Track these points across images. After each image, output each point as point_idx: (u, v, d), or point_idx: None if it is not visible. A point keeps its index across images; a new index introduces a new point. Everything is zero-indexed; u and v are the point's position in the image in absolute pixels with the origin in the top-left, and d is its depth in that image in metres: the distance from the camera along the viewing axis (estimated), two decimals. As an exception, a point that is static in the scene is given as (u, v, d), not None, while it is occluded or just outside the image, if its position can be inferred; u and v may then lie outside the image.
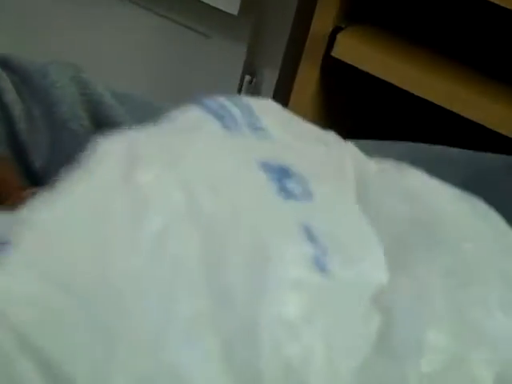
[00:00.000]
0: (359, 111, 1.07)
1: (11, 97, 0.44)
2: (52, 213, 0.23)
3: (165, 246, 0.23)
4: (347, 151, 0.32)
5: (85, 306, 0.22)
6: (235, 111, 0.28)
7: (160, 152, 0.25)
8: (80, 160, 0.24)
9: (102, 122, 0.43)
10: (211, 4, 0.96)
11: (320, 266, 0.25)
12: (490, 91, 0.86)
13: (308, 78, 0.91)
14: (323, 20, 0.86)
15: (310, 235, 0.25)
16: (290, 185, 0.26)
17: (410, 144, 0.47)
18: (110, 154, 0.25)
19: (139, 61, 1.11)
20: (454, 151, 0.47)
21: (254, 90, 1.05)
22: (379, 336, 0.26)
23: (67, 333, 0.22)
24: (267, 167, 0.26)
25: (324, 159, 0.29)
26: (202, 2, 0.97)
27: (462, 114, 0.84)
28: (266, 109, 0.29)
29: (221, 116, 0.27)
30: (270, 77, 1.04)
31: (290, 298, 0.24)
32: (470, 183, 0.32)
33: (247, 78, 1.06)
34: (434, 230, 0.28)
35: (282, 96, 0.97)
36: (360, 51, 0.86)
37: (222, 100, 0.28)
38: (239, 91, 1.05)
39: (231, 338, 0.23)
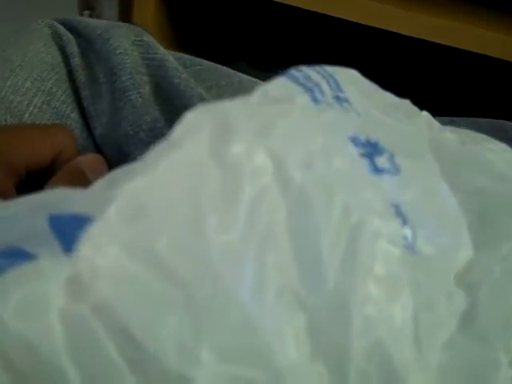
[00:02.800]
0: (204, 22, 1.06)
1: (78, 61, 0.44)
2: (140, 185, 0.23)
3: (257, 220, 0.23)
4: (424, 121, 0.31)
5: (173, 282, 0.22)
6: (322, 83, 0.27)
7: (252, 123, 0.24)
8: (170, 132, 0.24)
9: (164, 87, 0.43)
10: None
11: (409, 243, 0.25)
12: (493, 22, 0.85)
13: (147, 3, 0.91)
14: None
15: (400, 212, 0.25)
16: (380, 160, 0.26)
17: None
18: (199, 125, 0.24)
19: None
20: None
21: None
22: (465, 315, 0.25)
23: (152, 308, 0.21)
24: (357, 141, 0.26)
25: (407, 131, 0.29)
26: None
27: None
28: (349, 78, 0.29)
29: (309, 88, 0.26)
30: (109, 8, 1.02)
31: (381, 277, 0.24)
32: None
33: (86, 12, 1.03)
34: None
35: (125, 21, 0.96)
36: None
37: (308, 70, 0.27)
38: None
39: (319, 314, 0.23)
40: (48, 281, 0.21)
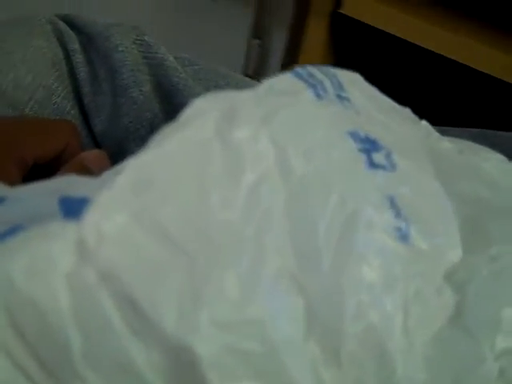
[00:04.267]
0: (370, 68, 1.06)
1: (79, 58, 0.45)
2: (148, 159, 0.24)
3: (257, 202, 0.24)
4: (422, 128, 0.32)
5: (176, 252, 0.22)
6: (325, 81, 0.28)
7: (257, 111, 0.25)
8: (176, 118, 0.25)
9: (164, 86, 0.43)
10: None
11: (402, 235, 0.26)
12: (498, 41, 0.87)
13: (316, 37, 0.91)
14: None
15: (394, 205, 0.26)
16: (378, 155, 0.27)
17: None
18: (207, 109, 0.25)
19: (145, 24, 1.11)
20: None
21: (262, 53, 1.05)
22: (453, 311, 0.26)
23: (155, 275, 0.22)
24: (356, 137, 0.26)
25: (405, 133, 0.30)
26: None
27: (473, 65, 0.84)
28: (352, 80, 0.30)
29: (312, 84, 0.27)
30: (277, 39, 1.03)
31: (374, 265, 0.25)
32: None
33: (255, 41, 1.05)
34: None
35: (291, 57, 0.97)
36: (369, 6, 0.86)
37: (311, 69, 0.28)
38: (247, 55, 1.04)
39: (315, 298, 0.24)
40: (55, 242, 0.21)
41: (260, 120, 0.25)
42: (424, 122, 0.32)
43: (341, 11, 0.86)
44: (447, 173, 0.30)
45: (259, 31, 1.03)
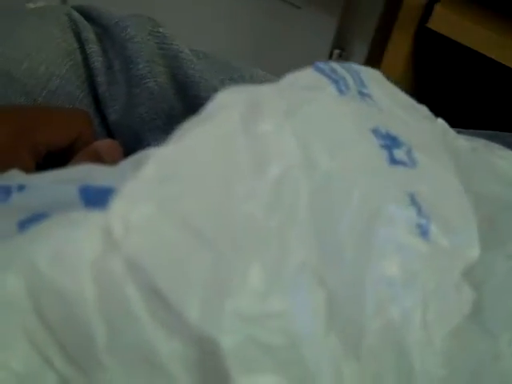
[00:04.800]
0: (452, 85, 1.05)
1: (94, 48, 0.45)
2: (173, 151, 0.24)
3: (282, 195, 0.24)
4: (439, 126, 0.32)
5: (201, 244, 0.22)
6: (347, 77, 0.28)
7: (281, 105, 0.25)
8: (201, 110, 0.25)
9: (179, 78, 0.44)
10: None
11: (423, 232, 0.26)
12: None
13: (399, 51, 0.89)
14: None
15: (415, 202, 0.26)
16: (399, 152, 0.27)
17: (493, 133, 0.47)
18: (231, 103, 0.25)
19: (229, 31, 1.11)
20: None
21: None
22: (471, 308, 0.26)
23: (180, 266, 0.22)
24: (378, 133, 0.27)
25: (425, 130, 0.30)
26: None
27: None
28: (373, 77, 0.30)
29: (335, 80, 0.27)
30: (359, 51, 1.03)
31: (395, 260, 0.25)
32: None
33: (336, 51, 1.04)
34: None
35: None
36: (458, 23, 0.84)
37: (334, 65, 0.28)
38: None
39: (336, 292, 0.24)
40: (81, 230, 0.22)
41: (284, 114, 0.25)
42: (440, 120, 0.32)
43: (428, 26, 0.84)
44: (464, 170, 0.30)
45: (342, 41, 1.03)
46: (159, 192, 0.22)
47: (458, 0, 0.87)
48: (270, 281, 0.23)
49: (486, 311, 0.26)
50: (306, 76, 0.27)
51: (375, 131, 0.27)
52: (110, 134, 0.45)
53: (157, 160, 0.23)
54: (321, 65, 0.28)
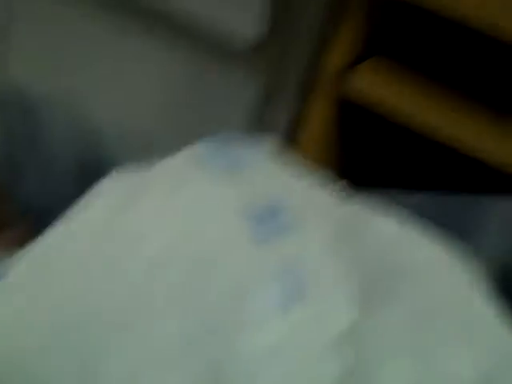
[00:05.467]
0: (373, 152, 1.04)
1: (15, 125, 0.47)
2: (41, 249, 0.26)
3: (153, 282, 0.26)
4: (331, 192, 0.34)
5: (67, 332, 0.25)
6: (229, 156, 0.30)
7: (153, 195, 0.27)
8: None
9: (91, 157, 0.47)
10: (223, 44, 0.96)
11: (287, 306, 0.27)
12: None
13: (319, 116, 0.90)
14: (335, 59, 0.86)
15: (283, 276, 0.28)
16: (269, 225, 0.28)
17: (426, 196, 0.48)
18: (108, 191, 0.27)
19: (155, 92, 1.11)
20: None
21: (266, 129, 1.05)
22: (346, 368, 0.28)
23: (47, 354, 0.25)
24: (249, 211, 0.28)
25: (311, 197, 0.32)
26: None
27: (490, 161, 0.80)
28: (264, 149, 0.32)
29: (214, 162, 0.29)
30: (280, 116, 1.03)
31: (259, 337, 0.26)
32: None
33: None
34: (404, 278, 0.30)
35: (293, 135, 0.97)
36: (374, 92, 0.84)
37: (218, 144, 0.30)
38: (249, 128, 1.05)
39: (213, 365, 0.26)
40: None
41: (156, 203, 0.27)
42: (336, 186, 0.34)
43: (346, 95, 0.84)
44: (348, 234, 0.31)
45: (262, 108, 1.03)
46: (29, 286, 0.25)
47: (375, 66, 0.86)
48: (138, 368, 0.25)
49: (362, 369, 0.28)
50: (180, 163, 0.29)
51: (246, 209, 0.28)
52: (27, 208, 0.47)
53: (28, 256, 0.25)
54: (203, 147, 0.30)
